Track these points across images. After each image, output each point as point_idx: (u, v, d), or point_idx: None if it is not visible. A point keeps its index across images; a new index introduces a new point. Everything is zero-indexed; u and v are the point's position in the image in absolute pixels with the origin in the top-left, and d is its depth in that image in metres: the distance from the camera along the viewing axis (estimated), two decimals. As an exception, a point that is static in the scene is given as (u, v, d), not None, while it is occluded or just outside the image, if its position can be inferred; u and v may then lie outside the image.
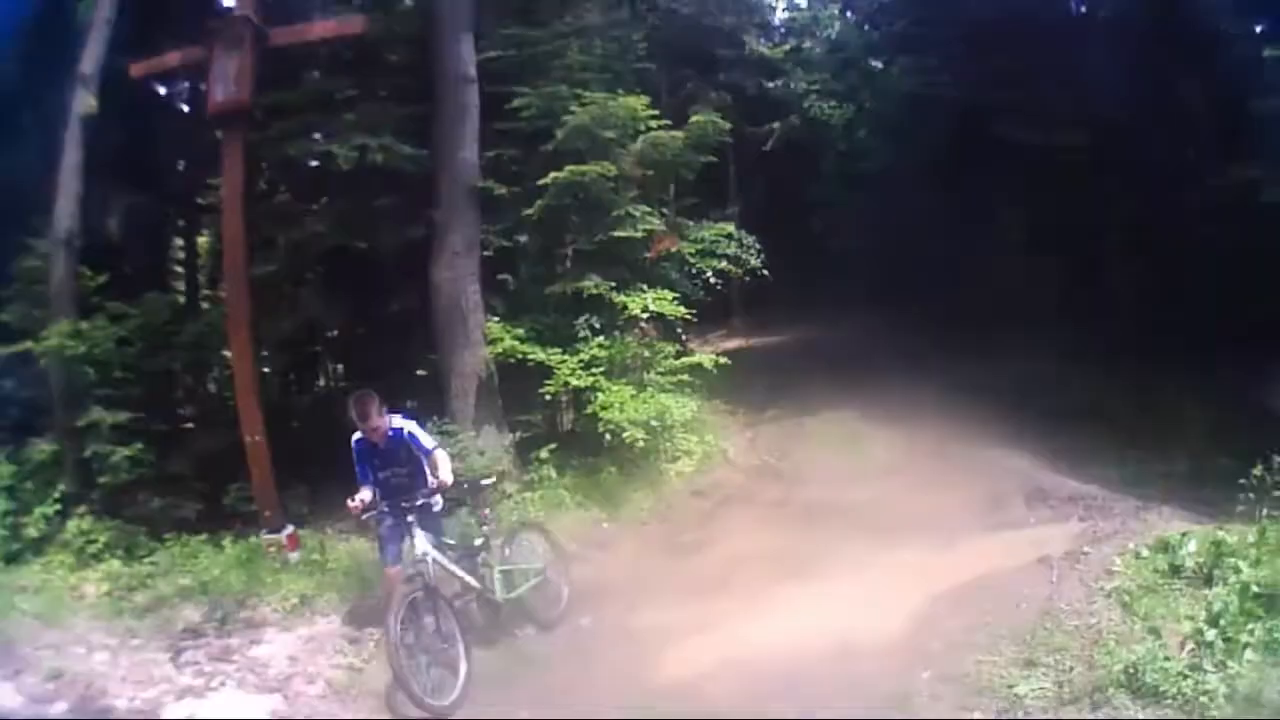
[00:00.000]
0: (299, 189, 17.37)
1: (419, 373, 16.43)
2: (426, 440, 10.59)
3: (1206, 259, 17.59)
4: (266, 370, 16.79)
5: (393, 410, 10.70)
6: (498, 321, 15.76)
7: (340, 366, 18.96)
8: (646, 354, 16.44)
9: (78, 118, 14.26)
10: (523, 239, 16.50)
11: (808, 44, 29.59)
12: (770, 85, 28.13)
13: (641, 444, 15.13)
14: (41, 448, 13.88)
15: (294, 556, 13.19)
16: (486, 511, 11.69)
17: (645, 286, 16.54)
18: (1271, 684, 7.40)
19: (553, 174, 15.41)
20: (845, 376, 19.91)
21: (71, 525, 13.38)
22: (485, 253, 16.00)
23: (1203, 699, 7.40)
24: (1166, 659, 7.85)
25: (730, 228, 18.89)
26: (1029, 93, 19.52)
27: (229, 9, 14.79)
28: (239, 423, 13.80)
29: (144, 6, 15.29)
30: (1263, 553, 9.45)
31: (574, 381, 15.27)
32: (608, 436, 15.12)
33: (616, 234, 16.08)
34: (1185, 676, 7.62)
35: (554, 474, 15.25)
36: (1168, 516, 12.17)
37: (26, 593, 12.21)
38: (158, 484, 14.06)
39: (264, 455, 13.67)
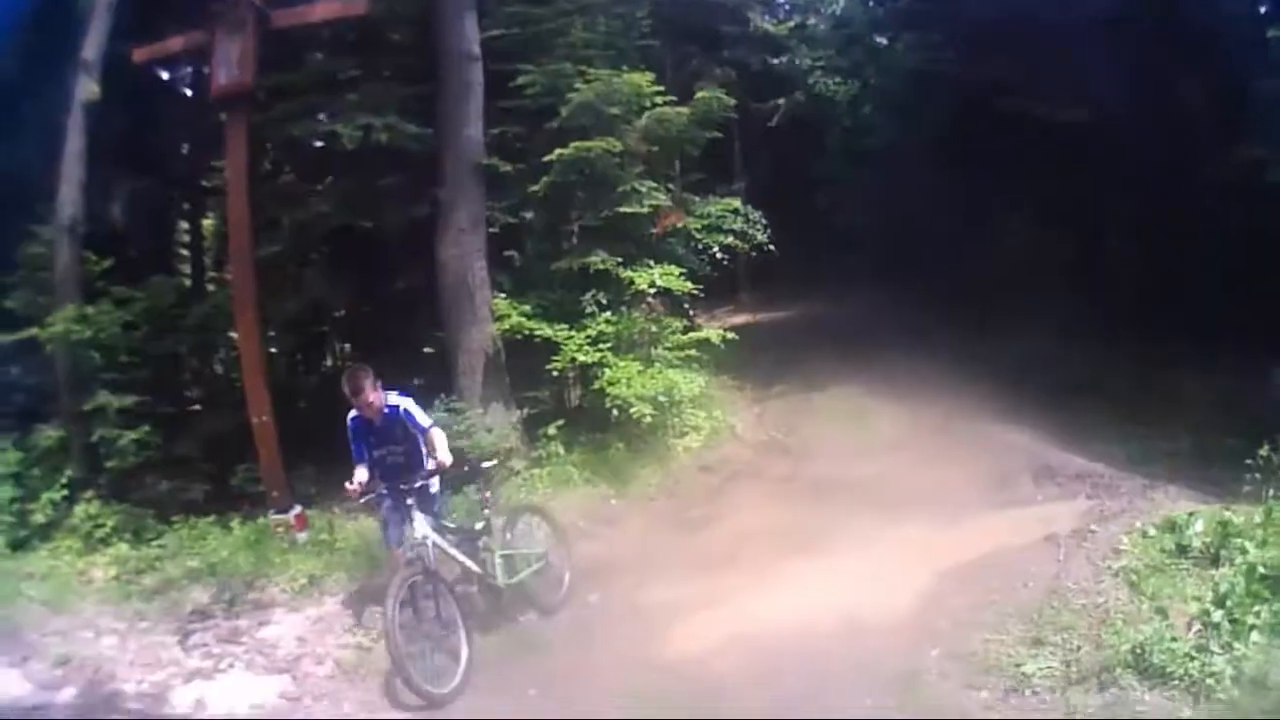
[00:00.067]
0: (303, 169, 17.38)
1: (426, 350, 16.39)
2: (422, 418, 10.48)
3: (1211, 239, 17.49)
4: (273, 351, 16.73)
5: (390, 387, 10.61)
6: (504, 298, 15.72)
7: (347, 346, 18.92)
8: (654, 329, 16.41)
9: (80, 104, 14.24)
10: (528, 215, 16.45)
11: (812, 20, 29.32)
12: (775, 61, 27.88)
13: (649, 420, 15.05)
14: (48, 433, 13.89)
15: (302, 537, 13.19)
16: (487, 494, 11.50)
17: (652, 262, 16.49)
18: (1278, 666, 7.42)
19: (558, 150, 15.37)
20: (851, 352, 19.82)
21: (79, 510, 13.40)
22: (491, 230, 15.98)
23: (1209, 680, 7.43)
24: (1173, 640, 7.88)
25: (736, 203, 18.91)
26: (1033, 69, 19.39)
27: (230, -7, 14.72)
28: (246, 404, 13.85)
29: (145, -8, 15.22)
30: (1269, 534, 9.46)
31: (581, 357, 15.25)
32: (615, 412, 15.09)
33: (622, 210, 16.06)
34: (1192, 658, 7.65)
35: (562, 450, 15.25)
36: (1174, 496, 12.12)
37: (33, 579, 12.26)
38: (165, 467, 14.08)
39: (271, 436, 13.70)
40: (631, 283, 16.00)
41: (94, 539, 13.17)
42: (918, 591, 10.21)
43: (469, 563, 10.58)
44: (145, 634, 11.17)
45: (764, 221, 19.00)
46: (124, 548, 13.00)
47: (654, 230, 16.95)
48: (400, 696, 9.42)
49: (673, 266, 16.56)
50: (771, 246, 18.91)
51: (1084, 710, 7.56)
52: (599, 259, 15.79)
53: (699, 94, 17.83)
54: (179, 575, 12.25)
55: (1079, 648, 8.39)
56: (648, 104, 16.65)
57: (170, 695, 10.00)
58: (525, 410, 15.89)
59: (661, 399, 15.32)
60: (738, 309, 25.69)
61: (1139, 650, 7.82)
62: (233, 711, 9.77)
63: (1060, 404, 16.09)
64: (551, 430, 15.41)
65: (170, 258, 19.61)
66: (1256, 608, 8.16)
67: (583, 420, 16.02)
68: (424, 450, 10.47)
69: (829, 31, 28.85)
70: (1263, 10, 17.49)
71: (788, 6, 30.33)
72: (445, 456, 10.19)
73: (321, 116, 15.94)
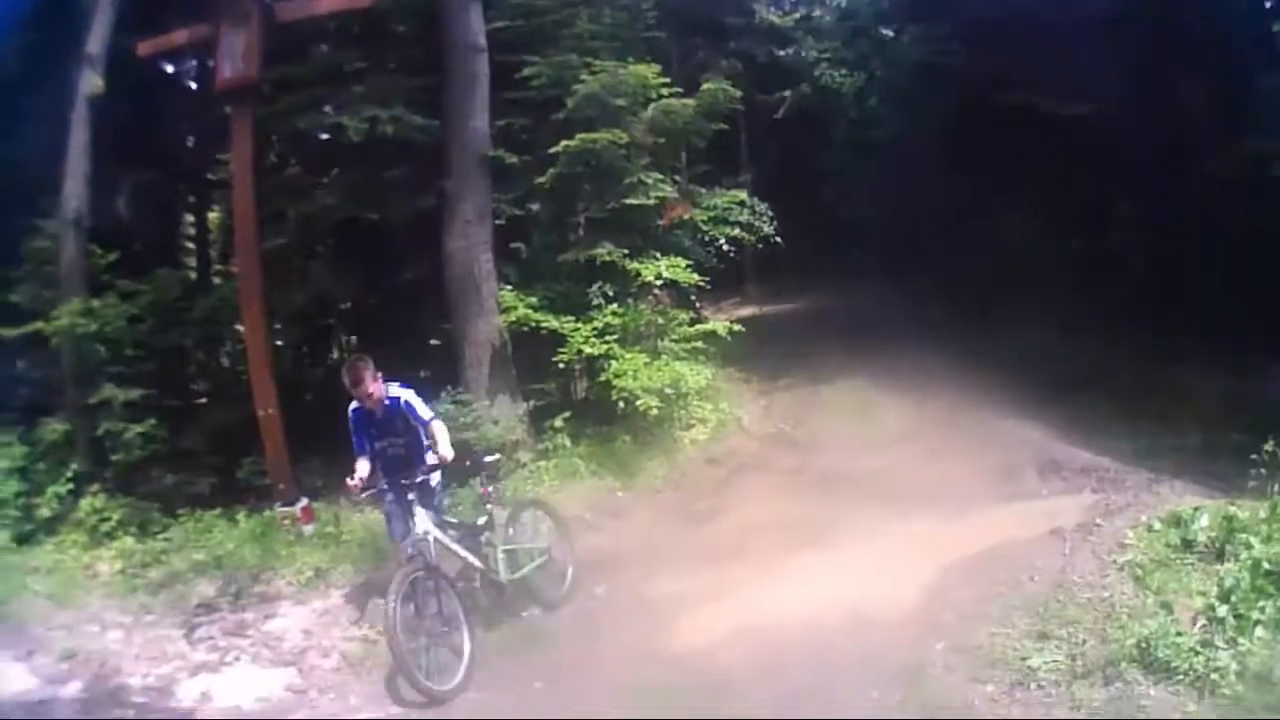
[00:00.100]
0: (309, 162, 17.40)
1: (432, 342, 16.39)
2: (424, 411, 10.42)
3: (1215, 234, 17.43)
4: (279, 343, 16.68)
5: (393, 378, 10.60)
6: (511, 290, 15.73)
7: (353, 338, 18.82)
8: (660, 321, 16.40)
9: (85, 98, 14.25)
10: (535, 207, 16.44)
11: (818, 12, 29.24)
12: (781, 53, 27.85)
13: (655, 412, 15.07)
14: (53, 427, 13.90)
15: (308, 529, 13.21)
16: (489, 489, 11.43)
17: (658, 254, 16.51)
18: (1282, 662, 7.43)
19: (564, 142, 15.35)
20: (857, 345, 19.83)
21: (84, 504, 13.40)
22: (497, 221, 15.97)
23: (1214, 676, 7.42)
24: (1178, 634, 7.88)
25: (743, 195, 18.79)
26: (1038, 63, 19.35)
27: (235, -14, 14.72)
28: (252, 397, 13.87)
29: (149, -15, 15.22)
30: (1274, 529, 9.44)
31: (587, 349, 15.26)
32: (621, 405, 15.09)
33: (629, 201, 16.03)
34: (1197, 653, 7.64)
35: (568, 443, 15.26)
36: (1180, 490, 12.10)
37: (39, 573, 12.29)
38: (171, 460, 14.11)
39: (277, 428, 13.72)
40: (638, 275, 16.03)
41: (99, 533, 13.16)
42: (923, 585, 10.21)
43: (471, 558, 10.55)
44: (151, 627, 11.21)
45: (770, 213, 18.89)
46: (130, 541, 13.01)
47: (660, 222, 16.91)
48: (402, 693, 9.43)
49: (679, 258, 16.57)
50: (778, 239, 18.82)
51: (1089, 705, 7.53)
52: (605, 251, 15.78)
53: (705, 86, 17.78)
54: (185, 568, 12.26)
55: (1084, 642, 8.37)
56: (654, 96, 16.65)
57: (176, 689, 10.04)
58: (532, 402, 15.88)
59: (668, 391, 15.35)
60: (744, 301, 25.62)
61: (1144, 645, 7.80)
62: (239, 705, 9.80)
63: (1065, 398, 16.10)
64: (558, 422, 15.41)
65: (176, 251, 19.51)
66: (1261, 603, 8.15)
67: (589, 412, 16.01)
68: (425, 443, 10.45)
69: (835, 23, 28.82)
70: (1268, 4, 17.47)
71: (792, -1, 30.28)
72: (447, 451, 10.17)
73: (327, 109, 15.88)
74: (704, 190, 18.55)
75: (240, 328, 14.90)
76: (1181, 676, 7.49)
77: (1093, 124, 18.86)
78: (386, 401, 10.35)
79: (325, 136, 16.52)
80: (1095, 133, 18.91)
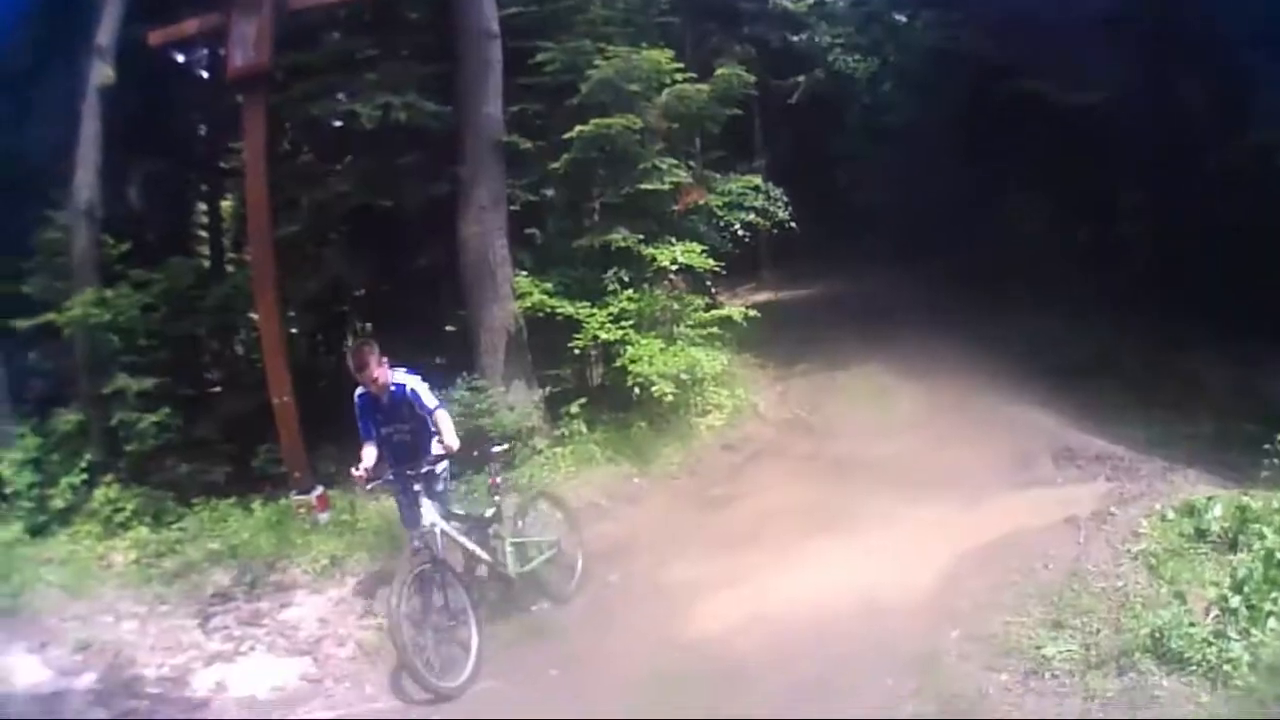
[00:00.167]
0: (322, 149, 17.33)
1: (447, 329, 16.42)
2: (429, 399, 10.27)
3: (1224, 222, 17.27)
4: (293, 331, 16.72)
5: (401, 364, 10.55)
6: (526, 276, 15.71)
7: (368, 325, 18.75)
8: (675, 307, 16.44)
9: (95, 89, 14.21)
10: (549, 193, 16.45)
11: (831, -3, 29.47)
12: (794, 39, 27.86)
13: (671, 398, 15.05)
14: (67, 418, 13.88)
15: (324, 517, 13.17)
16: (498, 480, 11.20)
17: (673, 239, 16.51)
18: (1294, 653, 7.40)
19: (578, 127, 15.34)
20: (871, 330, 19.85)
21: (98, 494, 13.42)
22: (512, 207, 15.95)
23: (1226, 666, 7.39)
24: (1191, 625, 7.84)
25: (757, 180, 18.80)
26: (1049, 50, 19.28)
27: (245, -26, 14.69)
28: (266, 385, 13.84)
29: (159, -26, 15.20)
30: (1287, 520, 9.42)
31: (603, 335, 15.26)
32: (637, 390, 15.09)
33: (643, 187, 16.02)
34: (1210, 643, 7.60)
35: (584, 429, 15.26)
36: (1194, 479, 12.04)
37: (53, 564, 12.30)
38: (185, 449, 14.10)
39: (292, 416, 13.70)
40: (653, 260, 16.04)
41: (114, 523, 13.18)
42: (938, 572, 10.21)
43: (479, 551, 10.48)
44: (166, 617, 11.22)
45: (785, 199, 18.89)
46: (144, 531, 13.01)
47: (675, 207, 16.92)
48: (407, 690, 9.44)
49: (694, 244, 16.55)
50: (792, 224, 18.81)
51: (1102, 694, 7.50)
52: (620, 236, 15.80)
53: (719, 71, 17.74)
54: (200, 558, 12.26)
55: (1098, 631, 8.34)
56: (667, 81, 16.65)
57: (191, 679, 10.07)
58: (547, 389, 15.88)
59: (684, 377, 15.34)
60: (759, 286, 25.59)
61: (1157, 635, 7.77)
62: (254, 694, 9.84)
63: (1078, 385, 16.05)
64: (574, 409, 15.40)
65: (188, 240, 19.52)
66: (1274, 594, 8.12)
67: (605, 398, 16.02)
68: (432, 430, 10.35)
69: (848, 9, 28.81)
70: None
71: (807, -17, 30.17)
72: (452, 440, 10.09)
73: (340, 96, 15.79)
74: (718, 175, 18.56)
75: (254, 316, 14.89)
76: (1194, 667, 7.45)
77: (1101, 113, 18.79)
78: (393, 388, 10.27)
79: (338, 124, 16.40)
80: (1104, 122, 18.85)
